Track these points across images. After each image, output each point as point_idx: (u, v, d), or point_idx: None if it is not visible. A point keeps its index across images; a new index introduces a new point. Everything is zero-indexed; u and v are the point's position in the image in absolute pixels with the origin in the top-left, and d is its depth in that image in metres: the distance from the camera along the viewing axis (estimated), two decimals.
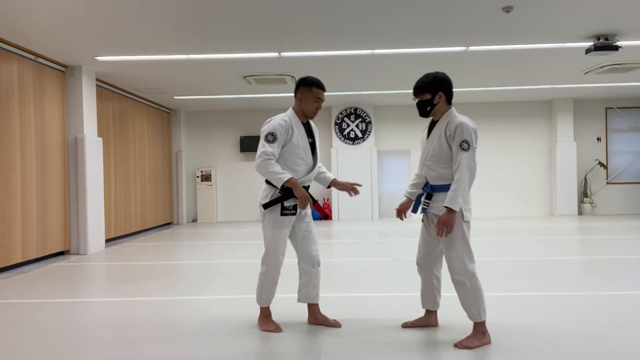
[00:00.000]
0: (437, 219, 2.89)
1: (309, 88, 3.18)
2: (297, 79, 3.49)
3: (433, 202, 2.96)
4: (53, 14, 4.91)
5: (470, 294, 2.84)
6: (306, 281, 3.32)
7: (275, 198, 3.13)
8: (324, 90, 3.23)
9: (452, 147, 2.84)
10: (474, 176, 2.80)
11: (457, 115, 2.91)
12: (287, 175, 3.01)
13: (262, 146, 3.06)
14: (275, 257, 3.17)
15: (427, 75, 2.97)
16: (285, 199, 3.12)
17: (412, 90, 3.04)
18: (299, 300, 3.36)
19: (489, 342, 2.89)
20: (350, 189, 3.32)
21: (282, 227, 3.18)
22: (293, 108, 3.24)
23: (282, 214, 3.14)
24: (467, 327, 3.23)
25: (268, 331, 3.19)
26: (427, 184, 3.02)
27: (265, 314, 3.28)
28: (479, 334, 2.88)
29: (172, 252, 7.17)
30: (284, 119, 3.14)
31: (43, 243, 6.37)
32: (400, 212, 3.20)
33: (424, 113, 3.00)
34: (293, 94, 3.28)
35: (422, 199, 3.05)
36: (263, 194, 3.21)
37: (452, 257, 2.89)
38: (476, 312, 2.86)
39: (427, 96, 2.93)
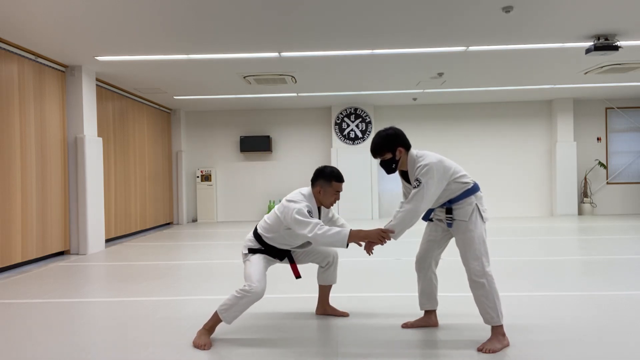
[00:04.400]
0: (461, 224, 2.89)
1: (328, 182, 3.15)
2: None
3: (455, 211, 2.93)
4: (53, 14, 4.91)
5: (489, 297, 2.83)
6: (326, 266, 3.48)
7: (259, 248, 3.22)
8: (342, 182, 3.20)
9: None
10: (417, 214, 2.83)
11: (416, 158, 2.94)
12: (345, 232, 2.85)
13: (308, 219, 2.92)
14: (258, 276, 2.99)
15: (379, 136, 2.99)
16: (268, 253, 3.22)
17: (371, 150, 3.04)
18: (319, 282, 3.53)
19: (508, 345, 2.86)
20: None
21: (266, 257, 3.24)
22: (313, 193, 3.20)
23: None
24: (467, 327, 3.23)
25: (198, 344, 2.96)
26: (442, 205, 2.99)
27: (213, 327, 3.06)
28: (499, 336, 2.85)
29: (172, 252, 7.17)
30: (308, 205, 3.05)
31: (43, 243, 6.37)
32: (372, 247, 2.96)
33: (390, 171, 3.05)
34: (310, 182, 3.24)
35: (443, 215, 3.01)
36: (251, 237, 3.28)
37: (469, 258, 2.87)
38: (495, 314, 2.83)
39: (389, 155, 2.98)
